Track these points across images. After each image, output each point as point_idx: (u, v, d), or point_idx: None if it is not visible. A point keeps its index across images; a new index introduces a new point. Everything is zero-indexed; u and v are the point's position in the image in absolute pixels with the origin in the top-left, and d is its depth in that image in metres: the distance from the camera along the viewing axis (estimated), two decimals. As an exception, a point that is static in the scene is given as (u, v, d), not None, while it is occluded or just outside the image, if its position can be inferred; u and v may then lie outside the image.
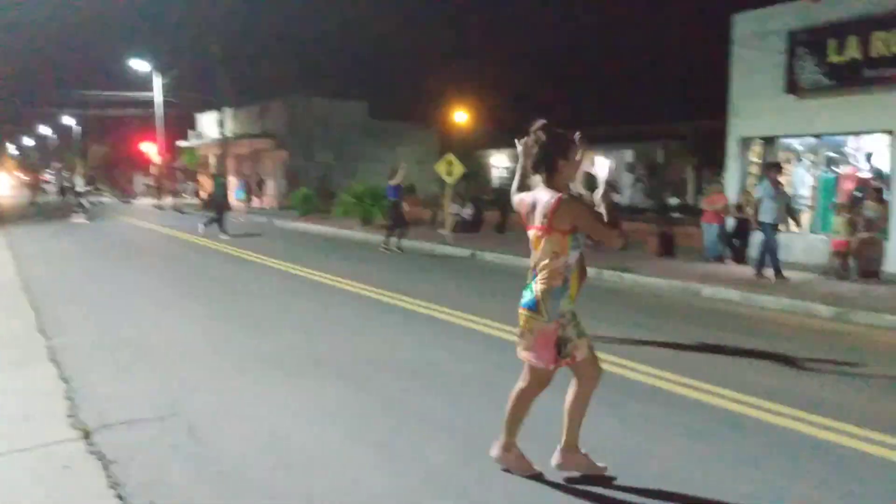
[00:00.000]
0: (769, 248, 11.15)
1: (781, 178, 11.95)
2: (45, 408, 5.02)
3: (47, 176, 41.85)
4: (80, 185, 25.72)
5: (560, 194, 3.65)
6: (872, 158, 13.62)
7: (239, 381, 5.74)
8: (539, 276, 3.74)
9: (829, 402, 5.31)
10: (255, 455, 4.24)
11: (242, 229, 20.88)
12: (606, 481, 3.91)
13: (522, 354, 3.89)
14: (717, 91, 16.04)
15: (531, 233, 3.81)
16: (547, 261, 3.71)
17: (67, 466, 4.04)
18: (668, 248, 14.50)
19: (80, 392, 5.33)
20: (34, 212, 29.77)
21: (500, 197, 24.29)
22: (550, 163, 3.75)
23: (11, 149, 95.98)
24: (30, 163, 77.63)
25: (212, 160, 35.61)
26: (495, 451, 4.04)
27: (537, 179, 3.83)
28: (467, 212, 19.65)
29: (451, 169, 17.01)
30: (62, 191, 36.20)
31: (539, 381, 3.91)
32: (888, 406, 5.37)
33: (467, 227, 19.16)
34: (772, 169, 11.67)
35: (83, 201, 24.71)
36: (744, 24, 14.95)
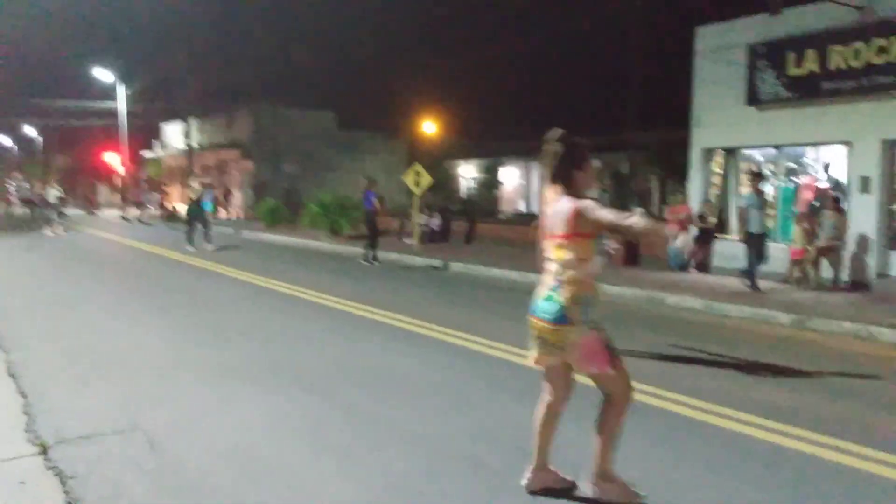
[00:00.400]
0: (754, 259, 11.25)
1: (747, 188, 12.15)
2: (1, 423, 4.93)
3: (10, 187, 40.99)
4: (52, 196, 25.30)
5: (579, 200, 3.67)
6: (830, 169, 13.93)
7: (200, 392, 5.69)
8: (565, 287, 3.67)
9: (786, 408, 5.41)
10: (216, 467, 4.20)
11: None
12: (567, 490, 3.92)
13: (543, 360, 3.86)
14: (680, 102, 16.31)
15: (551, 242, 3.79)
16: (573, 269, 3.66)
17: (23, 482, 3.97)
18: (632, 257, 14.67)
19: (38, 406, 5.24)
20: (6, 224, 29.19)
21: (468, 207, 24.39)
22: (568, 173, 3.75)
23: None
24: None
25: (198, 172, 35.03)
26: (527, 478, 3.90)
27: (556, 190, 3.81)
28: (435, 222, 19.70)
29: (418, 179, 17.05)
30: (27, 202, 35.52)
31: (620, 390, 3.76)
32: (842, 411, 5.49)
33: (435, 238, 19.20)
34: (755, 178, 11.70)
35: (56, 213, 24.37)
36: (706, 38, 15.23)
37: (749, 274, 11.29)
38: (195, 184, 19.23)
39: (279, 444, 4.58)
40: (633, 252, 14.76)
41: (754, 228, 11.27)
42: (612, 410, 3.75)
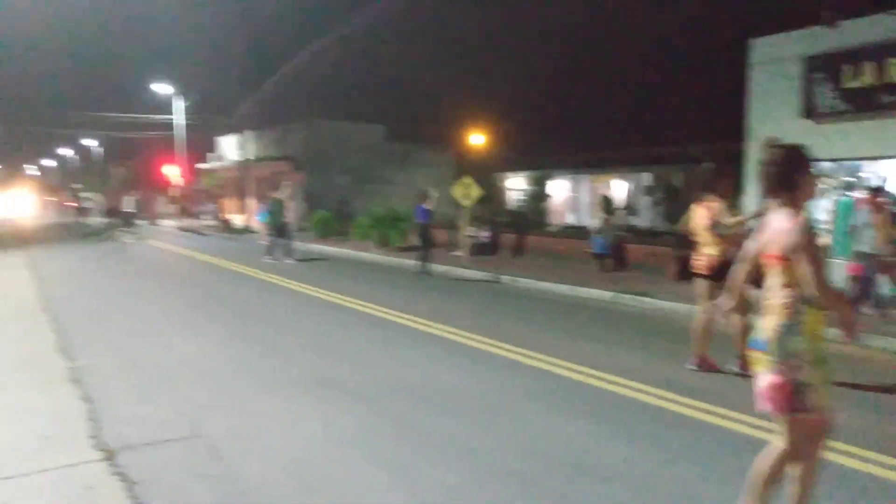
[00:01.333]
0: (869, 280, 10.39)
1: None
2: (67, 429, 5.12)
3: (76, 197, 42.26)
4: (129, 206, 26.38)
5: (800, 217, 3.31)
6: (888, 183, 13.56)
7: (257, 402, 5.82)
8: (771, 312, 3.36)
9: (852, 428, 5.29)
10: (275, 476, 4.31)
11: (263, 252, 21.03)
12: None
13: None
14: (736, 115, 16.09)
15: (766, 262, 3.47)
16: (780, 294, 3.33)
17: (90, 487, 4.13)
18: (687, 272, 14.44)
19: (103, 413, 5.44)
20: (65, 233, 30.17)
21: (517, 219, 24.35)
22: (790, 181, 3.40)
23: (31, 169, 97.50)
24: (53, 184, 78.81)
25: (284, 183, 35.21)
26: None
27: (773, 202, 3.48)
28: (484, 234, 19.72)
29: (467, 192, 17.12)
30: (83, 212, 36.79)
31: (790, 446, 3.33)
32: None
33: (484, 250, 19.22)
34: (876, 193, 10.70)
35: (129, 223, 25.57)
36: (761, 50, 15.01)
37: (868, 297, 10.29)
38: (279, 194, 19.17)
39: (334, 454, 4.67)
40: (688, 267, 14.54)
41: (867, 247, 10.29)
42: (775, 461, 3.39)
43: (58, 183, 78.74)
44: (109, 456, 4.56)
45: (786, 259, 3.28)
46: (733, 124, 16.78)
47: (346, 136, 34.86)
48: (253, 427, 5.20)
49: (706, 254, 7.21)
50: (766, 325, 3.34)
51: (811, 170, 3.46)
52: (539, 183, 38.21)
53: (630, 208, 33.00)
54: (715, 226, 6.99)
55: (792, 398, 3.21)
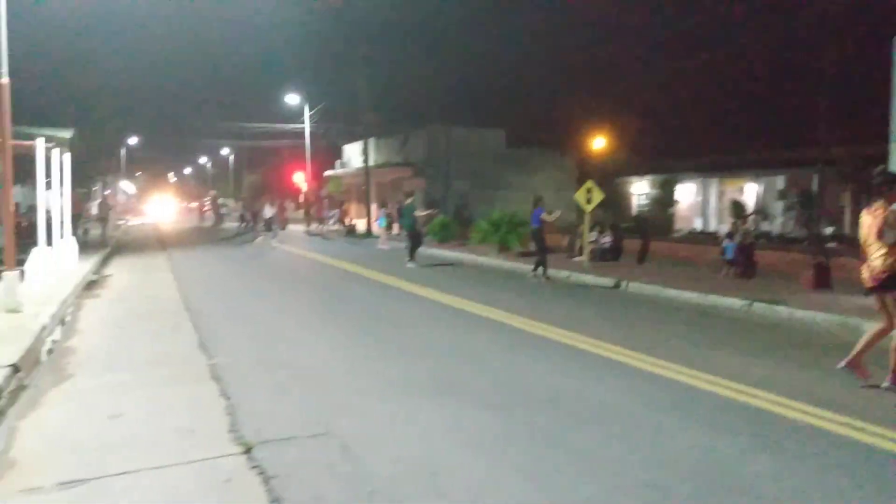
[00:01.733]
0: None
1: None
2: (208, 423, 5.36)
3: (214, 203, 44.58)
4: (268, 212, 27.90)
5: None
6: None
7: (387, 403, 5.90)
8: None
9: None
10: (405, 476, 4.34)
11: (385, 256, 21.49)
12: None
13: None
14: (876, 116, 15.05)
15: None
16: None
17: (230, 480, 4.29)
18: (823, 280, 13.60)
19: (240, 409, 5.66)
20: (203, 237, 31.96)
21: (641, 225, 23.76)
22: None
23: (172, 177, 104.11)
24: (191, 191, 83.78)
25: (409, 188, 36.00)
26: None
27: None
28: (606, 240, 19.33)
29: (590, 196, 16.84)
30: (220, 217, 38.86)
31: None
32: None
33: (606, 256, 18.83)
34: None
35: (267, 228, 27.08)
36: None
37: None
38: (410, 200, 19.43)
39: (462, 458, 4.65)
40: (824, 274, 13.72)
41: None
42: None
43: (195, 189, 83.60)
44: (247, 450, 4.73)
45: None
46: (872, 126, 15.70)
47: (466, 141, 35.13)
48: (383, 427, 5.27)
49: (874, 264, 6.65)
50: None
51: None
52: (665, 187, 37.16)
53: (762, 213, 31.55)
54: (883, 234, 6.46)
55: None
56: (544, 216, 15.32)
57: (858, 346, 6.71)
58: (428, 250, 23.31)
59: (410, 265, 17.53)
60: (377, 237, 27.52)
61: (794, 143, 31.80)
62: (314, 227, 34.58)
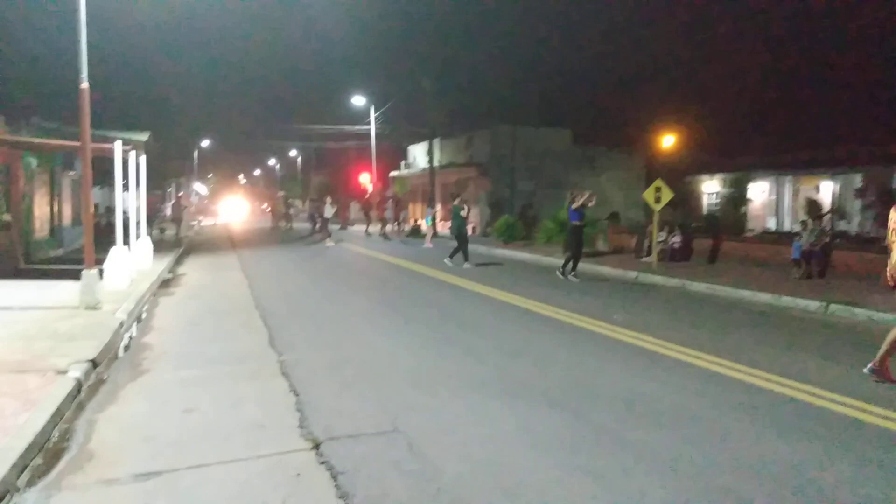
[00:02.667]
0: None
1: None
2: (278, 418, 5.44)
3: (284, 203, 45.36)
4: (329, 212, 28.34)
5: None
6: None
7: (453, 402, 5.88)
8: None
9: None
10: (472, 475, 4.31)
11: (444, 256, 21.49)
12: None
13: None
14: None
15: None
16: None
17: (300, 474, 4.34)
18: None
19: (309, 405, 5.73)
20: (272, 237, 32.61)
21: (712, 224, 23.18)
22: None
23: (241, 178, 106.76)
24: (261, 192, 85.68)
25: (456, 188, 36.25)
26: None
27: None
28: (675, 240, 18.92)
29: (659, 195, 16.51)
30: (287, 217, 39.51)
31: None
32: None
33: (675, 256, 18.44)
34: None
35: (328, 227, 27.56)
36: None
37: None
38: (458, 201, 19.32)
39: (530, 459, 4.60)
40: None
41: None
42: None
43: (265, 190, 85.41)
44: (316, 446, 4.78)
45: None
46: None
47: (531, 141, 34.86)
48: (450, 426, 5.25)
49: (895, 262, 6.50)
50: None
51: None
52: (737, 185, 36.17)
53: (838, 212, 30.42)
54: None
55: None
56: (575, 206, 15.04)
57: (884, 348, 6.60)
58: (492, 251, 23.26)
59: (466, 265, 17.49)
60: (439, 237, 27.52)
61: (872, 140, 30.57)
62: (375, 227, 34.48)
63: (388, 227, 33.04)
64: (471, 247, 18.84)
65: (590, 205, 15.34)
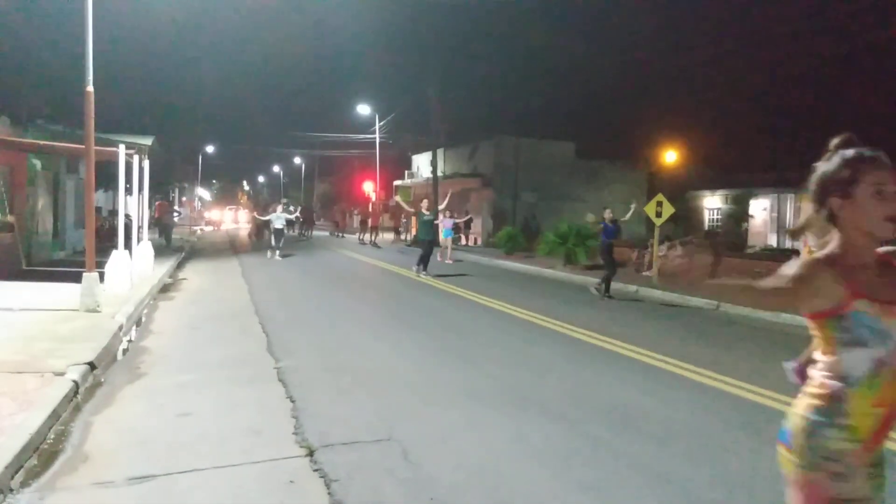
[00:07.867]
0: None
1: None
2: (273, 424, 5.44)
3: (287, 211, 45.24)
4: (279, 223, 27.75)
5: (813, 256, 2.32)
6: None
7: (449, 411, 5.88)
8: (802, 394, 2.36)
9: None
10: (466, 485, 4.31)
11: (447, 268, 21.52)
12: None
13: None
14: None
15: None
16: (816, 365, 2.33)
17: (293, 481, 4.34)
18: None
19: (305, 411, 5.74)
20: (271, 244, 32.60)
21: (713, 240, 23.20)
22: (822, 200, 2.35)
23: (244, 185, 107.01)
24: (263, 199, 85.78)
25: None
26: None
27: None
28: (676, 254, 18.91)
29: (660, 210, 16.53)
30: (290, 225, 39.48)
31: None
32: None
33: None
34: None
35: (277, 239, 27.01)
36: None
37: None
38: (424, 209, 18.99)
39: (524, 470, 4.60)
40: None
41: None
42: None
43: (269, 197, 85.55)
44: (310, 453, 4.78)
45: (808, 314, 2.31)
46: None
47: (535, 152, 34.94)
48: (446, 435, 5.25)
49: None
50: (795, 410, 2.38)
51: (864, 188, 2.24)
52: (739, 202, 36.22)
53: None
54: None
55: None
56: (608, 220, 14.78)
57: None
58: (493, 261, 23.27)
59: (421, 272, 17.33)
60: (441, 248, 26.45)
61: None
62: (367, 235, 33.96)
63: (375, 236, 32.91)
64: (473, 257, 18.75)
65: (624, 218, 15.24)
